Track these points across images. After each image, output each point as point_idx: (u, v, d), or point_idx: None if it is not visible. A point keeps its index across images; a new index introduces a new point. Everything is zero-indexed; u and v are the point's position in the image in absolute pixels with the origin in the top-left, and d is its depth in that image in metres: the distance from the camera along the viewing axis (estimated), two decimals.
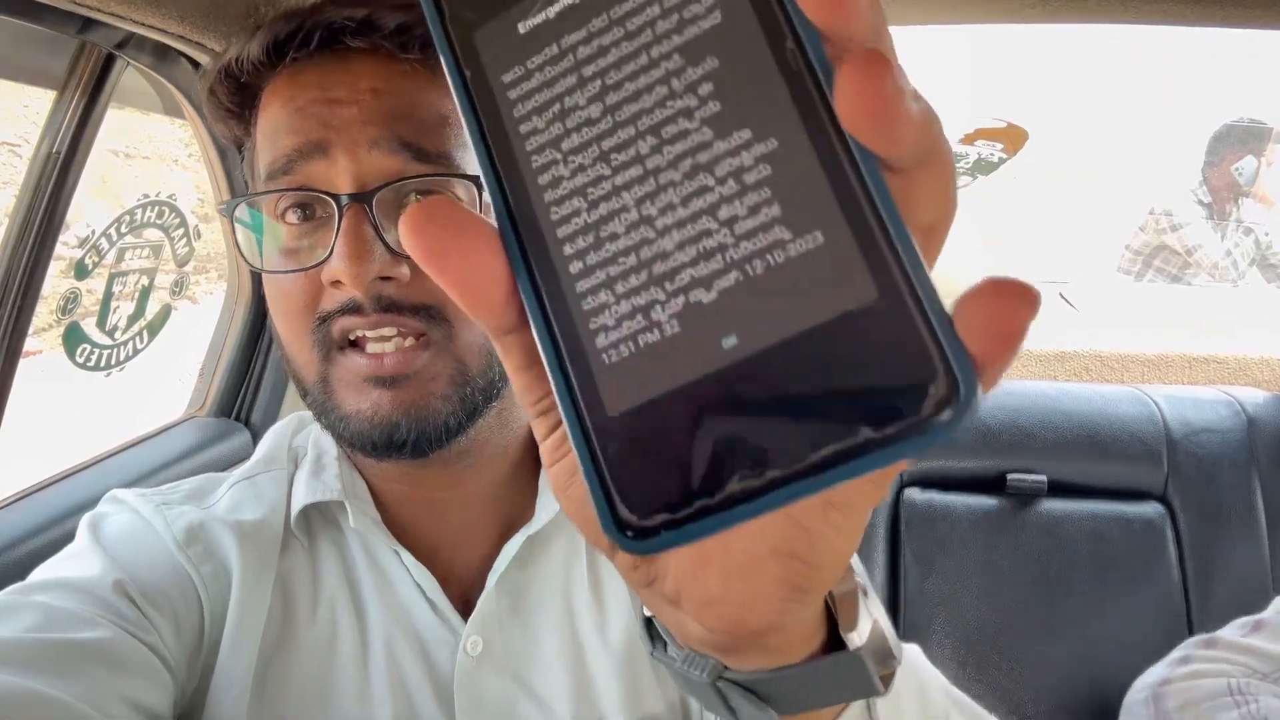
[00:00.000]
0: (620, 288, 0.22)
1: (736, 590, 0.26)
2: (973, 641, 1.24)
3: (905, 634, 1.23)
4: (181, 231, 1.26)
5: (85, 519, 0.59)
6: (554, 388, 0.23)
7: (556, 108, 0.23)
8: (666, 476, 0.22)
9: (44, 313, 0.96)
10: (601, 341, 0.22)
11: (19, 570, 0.64)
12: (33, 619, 0.48)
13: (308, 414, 0.68)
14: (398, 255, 0.53)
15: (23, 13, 0.75)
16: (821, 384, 0.20)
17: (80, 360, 1.14)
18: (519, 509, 0.64)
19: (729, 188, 0.22)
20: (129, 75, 0.96)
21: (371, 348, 0.55)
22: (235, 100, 0.60)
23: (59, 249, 0.94)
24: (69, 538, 0.58)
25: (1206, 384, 1.60)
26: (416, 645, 0.59)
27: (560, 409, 0.22)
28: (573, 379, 0.23)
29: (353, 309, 0.54)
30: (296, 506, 0.61)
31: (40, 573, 0.54)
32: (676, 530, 0.21)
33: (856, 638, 0.33)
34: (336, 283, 0.54)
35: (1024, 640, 1.23)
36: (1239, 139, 2.72)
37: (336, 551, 0.62)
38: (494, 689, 0.58)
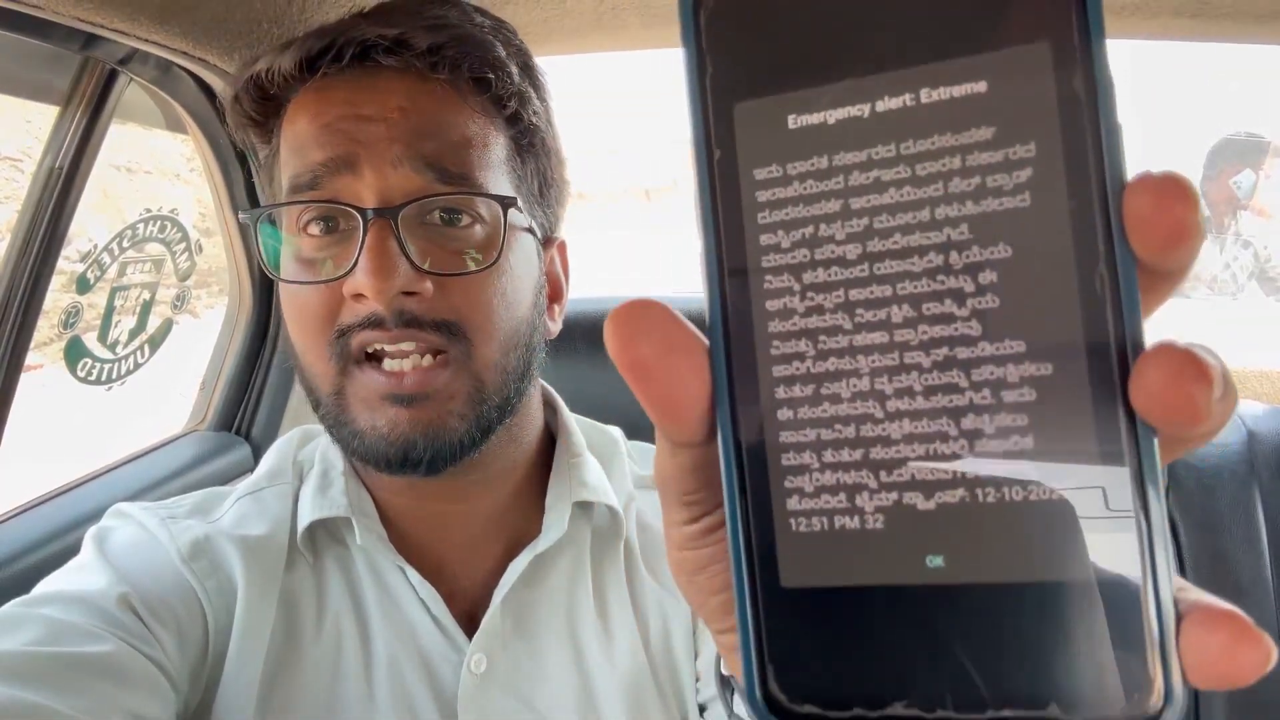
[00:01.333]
0: (829, 456, 0.20)
1: None
2: None
3: None
4: (183, 246, 1.26)
5: (91, 532, 0.59)
6: (729, 534, 0.21)
7: (808, 231, 0.20)
8: (829, 671, 0.20)
9: (45, 327, 0.96)
10: (793, 505, 0.20)
11: (22, 583, 0.64)
12: (36, 632, 0.48)
13: (313, 427, 0.68)
14: (421, 271, 0.54)
15: (27, 29, 0.76)
16: (1021, 642, 0.19)
17: (82, 374, 1.14)
18: (524, 526, 0.64)
19: (982, 397, 0.19)
20: (131, 90, 0.97)
21: (390, 364, 0.55)
22: (260, 110, 0.60)
23: (61, 263, 0.94)
24: (71, 551, 0.58)
25: None
26: (421, 662, 0.59)
27: (730, 557, 0.21)
28: (753, 533, 0.21)
29: (374, 323, 0.54)
30: (303, 523, 0.61)
31: (45, 585, 0.54)
32: None
33: None
34: (359, 296, 0.54)
35: None
36: (1237, 152, 2.73)
37: (341, 567, 0.62)
38: (498, 707, 0.58)
